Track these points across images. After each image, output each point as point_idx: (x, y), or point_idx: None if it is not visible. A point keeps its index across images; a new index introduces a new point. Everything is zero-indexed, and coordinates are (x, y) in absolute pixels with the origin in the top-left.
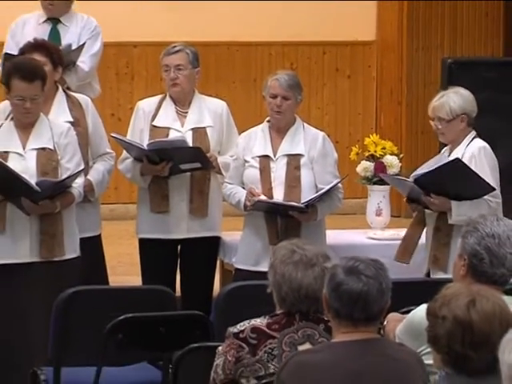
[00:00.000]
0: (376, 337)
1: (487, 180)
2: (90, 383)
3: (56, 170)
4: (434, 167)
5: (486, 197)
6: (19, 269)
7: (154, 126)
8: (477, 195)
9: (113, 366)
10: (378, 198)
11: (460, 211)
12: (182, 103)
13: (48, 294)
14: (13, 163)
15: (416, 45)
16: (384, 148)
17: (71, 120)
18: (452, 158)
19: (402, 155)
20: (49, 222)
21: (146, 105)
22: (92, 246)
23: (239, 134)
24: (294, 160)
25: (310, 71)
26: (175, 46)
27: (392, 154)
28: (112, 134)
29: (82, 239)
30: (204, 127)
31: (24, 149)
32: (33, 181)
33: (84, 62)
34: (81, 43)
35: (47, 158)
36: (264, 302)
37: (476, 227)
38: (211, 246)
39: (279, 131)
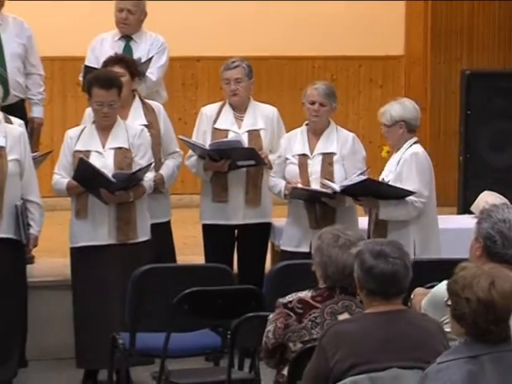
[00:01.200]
0: (403, 308)
1: (412, 182)
2: (161, 346)
3: (130, 166)
4: (350, 183)
5: (411, 197)
6: (99, 250)
7: (215, 129)
8: (399, 197)
9: (179, 332)
10: None
11: (387, 210)
12: (240, 109)
13: (124, 271)
14: (94, 160)
15: (438, 59)
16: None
17: (146, 123)
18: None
19: (428, 150)
20: (124, 209)
21: (209, 110)
22: (163, 230)
23: None
24: (327, 157)
25: (348, 81)
26: (234, 62)
27: None
28: (179, 136)
29: (154, 224)
30: (258, 129)
31: (103, 148)
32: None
33: (152, 73)
34: (149, 57)
35: (123, 155)
36: (307, 278)
37: (489, 214)
38: (263, 231)
39: (315, 133)
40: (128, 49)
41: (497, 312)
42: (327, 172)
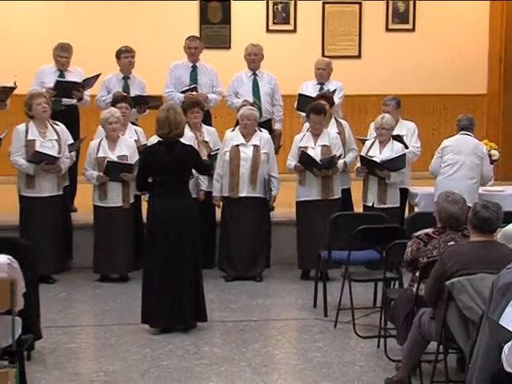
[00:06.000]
0: (493, 240)
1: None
2: (345, 258)
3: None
4: (389, 158)
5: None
6: (311, 202)
7: None
8: (397, 170)
9: (356, 250)
10: None
11: (393, 177)
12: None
13: (325, 215)
14: (310, 152)
15: (507, 95)
16: (491, 146)
17: (338, 132)
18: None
19: (499, 150)
20: (326, 179)
21: (374, 124)
22: (346, 193)
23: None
24: None
25: (454, 111)
26: (387, 99)
27: (495, 149)
28: (357, 136)
29: (343, 189)
30: (402, 135)
31: (315, 145)
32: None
33: (335, 101)
34: (332, 91)
35: (326, 149)
36: (430, 220)
37: None
38: (403, 194)
39: None
40: (321, 89)
41: None
42: None
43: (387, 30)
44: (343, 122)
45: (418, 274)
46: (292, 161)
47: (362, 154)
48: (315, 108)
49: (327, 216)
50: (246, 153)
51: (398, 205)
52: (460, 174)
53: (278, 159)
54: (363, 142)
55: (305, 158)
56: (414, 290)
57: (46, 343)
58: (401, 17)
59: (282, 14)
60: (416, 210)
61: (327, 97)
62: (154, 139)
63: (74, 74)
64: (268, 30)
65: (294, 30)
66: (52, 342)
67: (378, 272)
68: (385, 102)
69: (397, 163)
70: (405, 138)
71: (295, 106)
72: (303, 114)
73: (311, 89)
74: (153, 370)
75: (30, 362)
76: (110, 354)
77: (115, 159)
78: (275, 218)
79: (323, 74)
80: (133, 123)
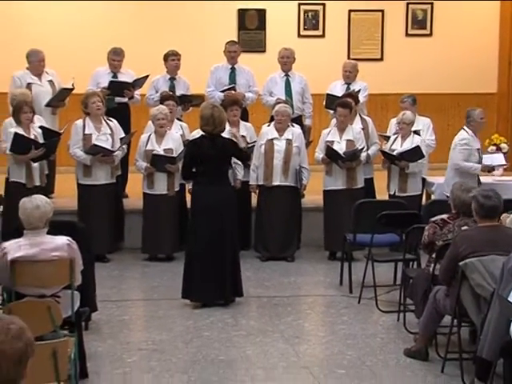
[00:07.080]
0: (499, 224)
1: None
2: (369, 241)
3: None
4: (405, 150)
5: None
6: (336, 191)
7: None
8: (416, 160)
9: (378, 233)
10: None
11: (411, 168)
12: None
13: (350, 202)
14: (335, 145)
15: None
16: (500, 140)
17: (362, 127)
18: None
19: (508, 143)
20: (350, 171)
21: (395, 120)
22: (369, 182)
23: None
24: None
25: (467, 108)
26: (404, 97)
27: (504, 143)
28: (378, 133)
29: (366, 179)
30: (418, 130)
31: (340, 139)
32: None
33: (360, 99)
34: (357, 90)
35: (350, 143)
36: (446, 207)
37: None
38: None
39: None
40: (348, 89)
41: None
42: None
43: (407, 35)
44: (367, 119)
45: (434, 255)
46: (319, 153)
47: (387, 147)
48: (342, 103)
49: (352, 203)
50: (280, 146)
51: (418, 193)
52: (448, 168)
53: (308, 152)
54: (385, 137)
55: (330, 152)
56: (431, 269)
57: (101, 315)
58: (419, 23)
59: (312, 21)
60: (432, 197)
61: (352, 95)
62: (197, 133)
63: (126, 75)
64: (299, 35)
65: (323, 36)
66: (106, 314)
67: (398, 253)
68: (402, 100)
69: (411, 154)
70: (421, 133)
71: (324, 104)
72: (331, 112)
73: (339, 88)
74: (195, 339)
75: (87, 331)
76: (157, 325)
77: (161, 152)
78: (305, 204)
79: (350, 75)
80: (178, 119)
